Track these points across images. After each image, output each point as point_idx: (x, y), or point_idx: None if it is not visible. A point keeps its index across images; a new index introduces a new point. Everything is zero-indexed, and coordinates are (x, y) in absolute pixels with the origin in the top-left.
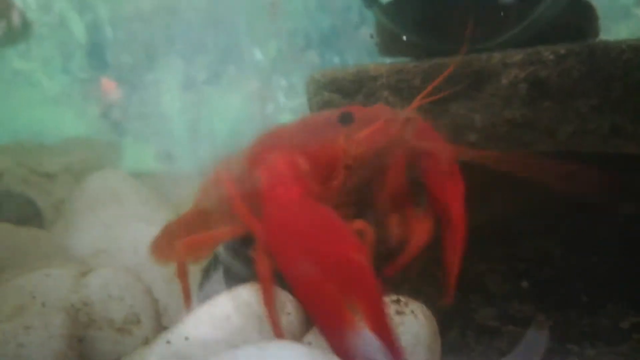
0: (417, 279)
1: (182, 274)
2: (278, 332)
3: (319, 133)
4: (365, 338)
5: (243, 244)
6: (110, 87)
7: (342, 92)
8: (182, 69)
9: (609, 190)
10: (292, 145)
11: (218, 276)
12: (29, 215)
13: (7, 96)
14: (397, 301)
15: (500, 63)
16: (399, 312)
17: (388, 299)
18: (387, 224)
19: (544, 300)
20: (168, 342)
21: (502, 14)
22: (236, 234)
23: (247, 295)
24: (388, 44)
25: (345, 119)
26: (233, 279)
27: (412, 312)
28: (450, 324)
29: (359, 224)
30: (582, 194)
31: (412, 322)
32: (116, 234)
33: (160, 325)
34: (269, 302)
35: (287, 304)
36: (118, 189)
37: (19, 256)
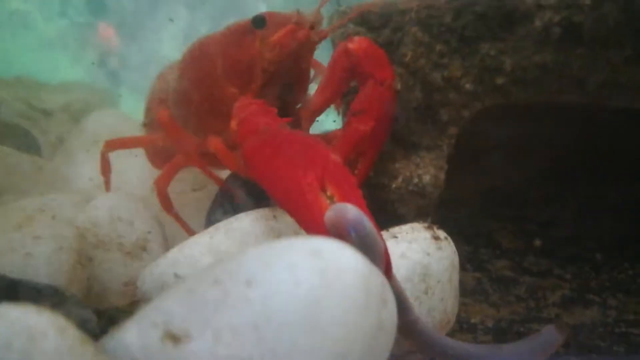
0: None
1: (167, 207)
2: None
3: (237, 38)
4: (338, 206)
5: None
6: (108, 34)
7: (368, 25)
8: (185, 18)
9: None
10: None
11: (225, 204)
12: (28, 146)
13: (3, 36)
14: (430, 227)
15: (534, 4)
16: (435, 238)
17: (420, 225)
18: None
19: (559, 256)
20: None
21: None
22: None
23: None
24: None
25: (258, 23)
26: (236, 208)
27: (446, 238)
28: (465, 271)
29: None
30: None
31: (448, 247)
32: (119, 169)
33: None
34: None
35: None
36: (118, 127)
37: (21, 181)
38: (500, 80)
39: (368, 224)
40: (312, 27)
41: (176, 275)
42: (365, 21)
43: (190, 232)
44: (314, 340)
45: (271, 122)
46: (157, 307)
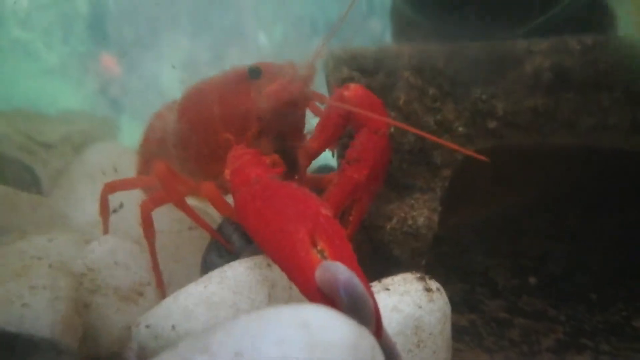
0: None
1: (148, 232)
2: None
3: (233, 87)
4: (329, 265)
5: None
6: (109, 63)
7: (362, 69)
8: (185, 48)
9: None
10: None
11: (220, 247)
12: (27, 182)
13: (4, 65)
14: (422, 278)
15: (525, 50)
16: (427, 289)
17: (412, 276)
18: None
19: (554, 295)
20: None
21: (524, 3)
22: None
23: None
24: (403, 29)
25: (254, 74)
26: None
27: (438, 289)
28: (459, 313)
29: (273, 157)
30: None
31: (440, 299)
32: (117, 205)
33: (164, 296)
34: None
35: None
36: (118, 161)
37: (19, 220)
38: (492, 124)
39: (359, 285)
40: (306, 80)
41: (173, 327)
42: (359, 65)
43: (158, 276)
44: None
45: (263, 174)
46: None
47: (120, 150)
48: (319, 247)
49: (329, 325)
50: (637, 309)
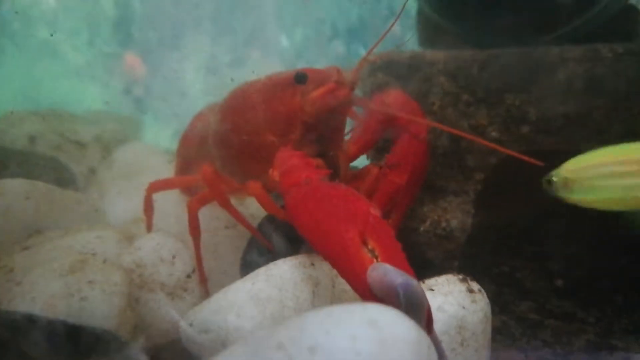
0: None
1: (194, 229)
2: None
3: (279, 91)
4: (383, 268)
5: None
6: (134, 63)
7: (396, 75)
8: (208, 49)
9: None
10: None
11: (258, 247)
12: (64, 180)
13: (32, 67)
14: (464, 280)
15: (558, 57)
16: (470, 290)
17: (454, 277)
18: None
19: (580, 298)
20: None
21: (555, 9)
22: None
23: (280, 271)
24: (430, 35)
25: (300, 79)
26: (271, 252)
27: (480, 290)
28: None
29: (317, 160)
30: None
31: (481, 300)
32: (157, 207)
33: (207, 291)
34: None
35: None
36: (150, 160)
37: (62, 217)
38: (524, 129)
39: (417, 286)
40: (351, 86)
41: (223, 322)
42: (394, 71)
43: (202, 273)
44: None
45: (313, 175)
46: None
47: (149, 149)
48: (369, 247)
49: (395, 322)
50: None
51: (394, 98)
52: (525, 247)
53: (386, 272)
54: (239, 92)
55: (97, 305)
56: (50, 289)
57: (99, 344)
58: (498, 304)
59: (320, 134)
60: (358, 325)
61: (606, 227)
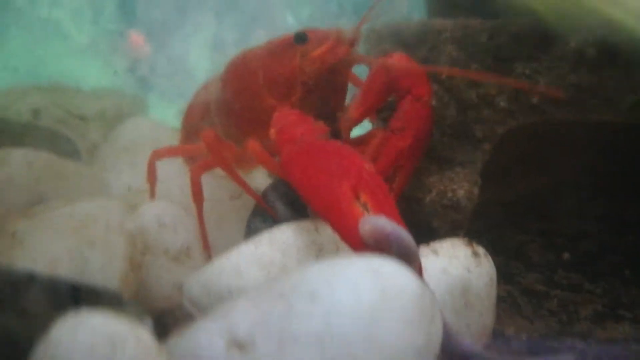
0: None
1: (197, 196)
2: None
3: (279, 53)
4: (375, 219)
5: (288, 186)
6: (138, 42)
7: (404, 44)
8: (213, 27)
9: None
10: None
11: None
12: (68, 153)
13: (36, 45)
14: (469, 243)
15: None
16: (475, 254)
17: (459, 241)
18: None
19: (588, 270)
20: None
21: None
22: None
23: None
24: (440, 8)
25: (300, 39)
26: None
27: (485, 254)
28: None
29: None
30: None
31: (486, 263)
32: (160, 177)
33: (211, 257)
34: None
35: None
36: (152, 134)
37: (65, 187)
38: (534, 99)
39: (407, 236)
40: (351, 45)
41: (226, 285)
42: (402, 40)
43: (205, 239)
44: (373, 355)
45: (308, 132)
46: (224, 316)
47: (153, 124)
48: (362, 201)
49: (398, 274)
50: None
51: (397, 59)
52: (533, 220)
53: (377, 223)
54: (240, 57)
55: (99, 267)
56: (52, 251)
57: (100, 303)
58: (503, 276)
59: (320, 95)
60: (359, 274)
61: (618, 202)
